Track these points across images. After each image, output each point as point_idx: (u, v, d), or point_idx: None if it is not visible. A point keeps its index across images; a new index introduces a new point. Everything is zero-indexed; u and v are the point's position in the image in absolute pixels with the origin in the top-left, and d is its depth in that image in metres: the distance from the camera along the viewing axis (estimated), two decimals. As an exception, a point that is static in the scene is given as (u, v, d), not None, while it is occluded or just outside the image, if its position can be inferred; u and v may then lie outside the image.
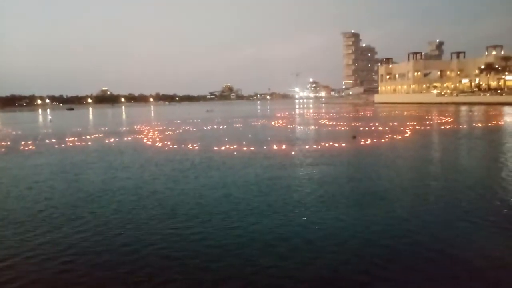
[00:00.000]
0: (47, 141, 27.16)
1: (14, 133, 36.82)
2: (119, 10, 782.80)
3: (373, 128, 29.45)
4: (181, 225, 8.06)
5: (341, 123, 35.59)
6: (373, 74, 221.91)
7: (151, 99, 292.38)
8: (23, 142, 26.17)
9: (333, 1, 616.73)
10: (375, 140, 21.01)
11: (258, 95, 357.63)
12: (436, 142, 21.81)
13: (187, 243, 7.13)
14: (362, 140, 21.27)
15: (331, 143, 20.26)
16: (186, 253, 6.68)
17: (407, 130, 26.09)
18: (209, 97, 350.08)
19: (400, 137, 22.64)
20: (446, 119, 36.08)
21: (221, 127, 36.18)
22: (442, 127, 28.87)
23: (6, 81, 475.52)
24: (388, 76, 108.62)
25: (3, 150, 22.72)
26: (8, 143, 26.65)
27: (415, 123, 32.22)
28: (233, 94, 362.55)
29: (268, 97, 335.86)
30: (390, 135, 23.40)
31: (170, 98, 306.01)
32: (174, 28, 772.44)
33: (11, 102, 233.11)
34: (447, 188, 10.65)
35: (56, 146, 23.78)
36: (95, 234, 7.67)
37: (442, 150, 18.34)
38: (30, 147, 23.51)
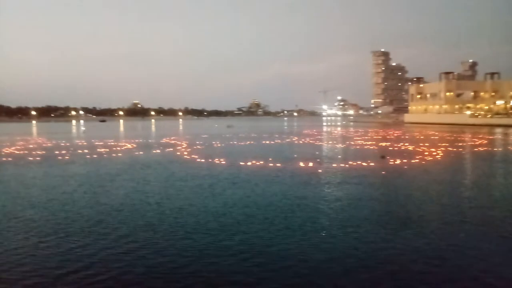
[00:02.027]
0: (79, 151, 27.99)
1: (49, 143, 38.22)
2: (149, 27, 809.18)
3: (403, 148, 28.68)
4: (197, 244, 7.96)
5: (370, 142, 34.90)
6: (403, 93, 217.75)
7: (180, 113, 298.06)
8: (57, 152, 27.20)
9: (362, 19, 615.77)
10: (405, 161, 20.39)
11: (285, 112, 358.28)
12: (469, 165, 20.94)
13: (210, 264, 7.00)
14: (392, 160, 20.70)
15: (359, 162, 19.81)
16: (213, 274, 6.56)
17: (438, 152, 25.23)
18: (237, 112, 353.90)
19: (431, 158, 21.89)
20: (480, 141, 34.70)
21: (248, 143, 36.23)
22: (476, 149, 27.76)
23: (42, 92, 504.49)
24: (419, 96, 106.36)
25: (38, 159, 23.56)
26: (44, 152, 27.66)
27: (447, 144, 31.16)
28: (260, 110, 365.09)
29: (295, 113, 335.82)
30: (420, 156, 22.68)
31: (198, 113, 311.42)
32: (204, 45, 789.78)
33: (47, 113, 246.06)
34: (482, 215, 10.08)
35: (88, 156, 24.44)
36: (114, 253, 7.67)
37: (476, 174, 17.47)
38: (63, 157, 24.29)
